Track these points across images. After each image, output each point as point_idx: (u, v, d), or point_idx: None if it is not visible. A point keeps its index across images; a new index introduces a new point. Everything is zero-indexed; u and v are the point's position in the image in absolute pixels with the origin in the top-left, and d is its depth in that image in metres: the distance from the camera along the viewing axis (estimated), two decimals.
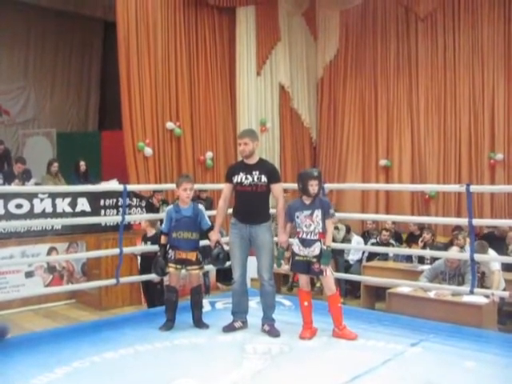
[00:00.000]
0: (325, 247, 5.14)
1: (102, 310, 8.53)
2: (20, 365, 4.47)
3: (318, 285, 8.88)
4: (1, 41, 14.35)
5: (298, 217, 5.23)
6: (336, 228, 9.44)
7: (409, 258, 8.98)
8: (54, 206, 8.95)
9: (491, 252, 6.98)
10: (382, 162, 12.87)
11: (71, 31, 15.58)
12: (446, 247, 8.47)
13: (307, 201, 5.21)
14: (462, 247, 7.67)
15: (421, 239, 9.35)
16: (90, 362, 4.57)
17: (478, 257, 5.86)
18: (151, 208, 9.64)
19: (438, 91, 12.19)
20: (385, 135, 13.00)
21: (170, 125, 11.16)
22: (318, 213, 5.17)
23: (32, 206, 8.69)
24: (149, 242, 7.15)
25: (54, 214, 8.90)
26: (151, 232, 7.30)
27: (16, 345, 4.99)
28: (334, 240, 8.89)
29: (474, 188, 5.96)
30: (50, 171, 10.44)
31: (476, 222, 6.03)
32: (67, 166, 11.03)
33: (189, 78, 11.59)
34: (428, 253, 8.52)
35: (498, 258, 6.97)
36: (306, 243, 5.16)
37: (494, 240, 8.44)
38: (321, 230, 5.16)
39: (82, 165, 10.74)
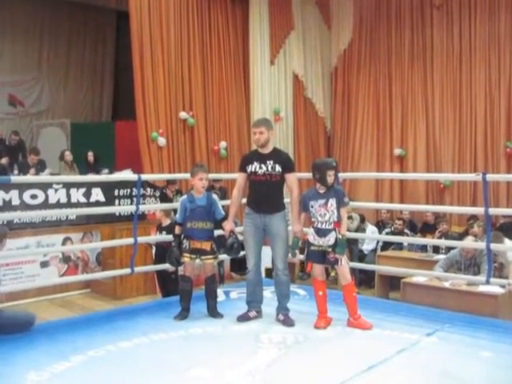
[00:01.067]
0: (340, 236, 5.12)
1: (116, 299, 8.59)
2: (36, 353, 4.50)
3: (332, 274, 8.88)
4: (15, 32, 14.42)
5: (312, 206, 5.21)
6: (350, 218, 9.39)
7: (423, 248, 8.94)
8: (68, 196, 9.01)
9: (508, 242, 6.92)
10: (397, 152, 12.79)
11: (84, 22, 15.62)
12: (461, 237, 8.42)
13: (321, 190, 5.19)
14: (476, 236, 7.62)
15: (438, 230, 9.29)
16: (105, 350, 4.58)
17: (494, 246, 5.81)
18: (165, 198, 9.67)
19: (454, 80, 12.07)
20: (399, 124, 12.90)
21: (183, 114, 11.16)
22: (332, 201, 5.14)
23: (47, 196, 8.76)
24: (164, 232, 7.15)
25: (69, 204, 8.96)
26: (166, 222, 7.30)
27: (32, 334, 5.01)
28: (347, 230, 8.92)
29: (490, 177, 5.90)
30: (65, 160, 10.50)
31: (492, 211, 5.98)
32: (81, 156, 11.09)
33: (202, 68, 11.57)
34: (443, 242, 8.46)
35: None
36: (321, 233, 5.14)
37: (510, 230, 8.37)
38: (336, 219, 5.14)
39: (90, 155, 10.81)
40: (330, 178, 5.13)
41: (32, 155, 10.22)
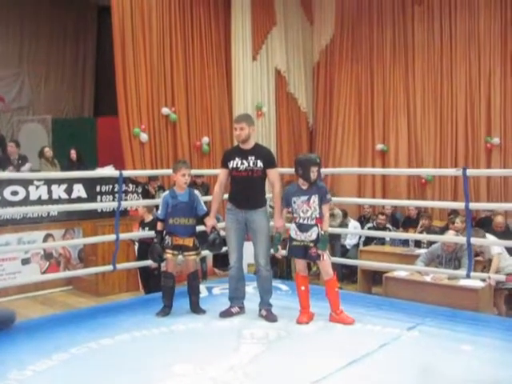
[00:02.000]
0: (322, 232, 5.13)
1: (99, 296, 8.56)
2: (18, 351, 4.47)
3: (314, 269, 8.92)
4: None
5: (294, 202, 5.21)
6: (332, 215, 9.40)
7: (405, 242, 9.01)
8: (49, 192, 8.95)
9: (490, 237, 6.98)
10: (379, 147, 12.86)
11: (65, 17, 15.46)
12: (442, 231, 8.49)
13: (304, 186, 5.19)
14: (457, 231, 7.68)
15: (420, 225, 9.36)
16: (88, 348, 4.57)
17: (475, 241, 5.86)
18: (147, 195, 9.64)
19: (435, 75, 12.15)
20: (381, 120, 12.98)
21: (165, 110, 11.12)
22: (314, 198, 5.15)
23: (28, 192, 8.70)
24: (146, 228, 7.13)
25: (50, 201, 8.91)
26: (148, 218, 7.28)
27: (13, 332, 4.98)
28: (330, 227, 8.94)
29: (470, 172, 5.94)
30: (45, 157, 10.42)
31: (472, 205, 6.03)
32: (63, 152, 11.01)
33: (184, 63, 11.53)
34: (424, 237, 8.53)
35: (496, 241, 6.96)
36: (302, 228, 5.15)
37: (490, 224, 8.45)
38: (318, 216, 5.15)
39: (73, 153, 10.73)
40: (314, 174, 5.13)
41: (11, 143, 10.11)
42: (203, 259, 8.53)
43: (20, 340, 4.77)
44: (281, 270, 9.31)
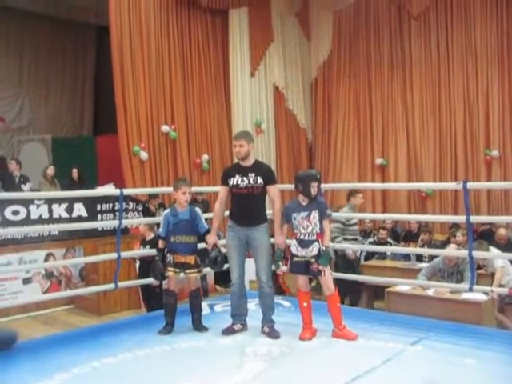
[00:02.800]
0: (323, 247, 5.13)
1: (100, 314, 8.53)
2: (19, 371, 4.45)
3: (313, 284, 8.87)
4: None
5: (295, 218, 5.21)
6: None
7: (407, 257, 8.98)
8: (50, 211, 8.95)
9: (494, 250, 6.96)
10: (378, 161, 12.89)
11: (65, 37, 15.60)
12: (443, 245, 8.47)
13: (304, 202, 5.19)
14: (459, 245, 7.67)
15: (420, 239, 9.35)
16: (90, 367, 4.55)
17: (477, 254, 5.85)
18: (148, 213, 9.64)
19: (433, 89, 12.22)
20: (380, 134, 13.02)
21: (165, 128, 11.16)
22: (315, 214, 5.15)
23: (28, 212, 8.70)
24: (147, 246, 7.12)
25: (51, 220, 8.90)
26: (150, 236, 7.28)
27: (15, 352, 4.95)
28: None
29: (470, 185, 5.94)
30: (46, 177, 10.43)
31: (473, 219, 6.02)
32: (63, 171, 11.03)
33: (183, 81, 11.60)
34: (426, 251, 8.52)
35: (498, 254, 6.95)
36: (303, 243, 5.14)
37: (490, 237, 8.43)
38: (318, 231, 5.14)
39: (75, 172, 10.74)
40: (314, 190, 5.13)
41: (13, 161, 10.14)
42: (204, 277, 8.49)
43: (22, 360, 4.75)
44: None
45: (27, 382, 4.21)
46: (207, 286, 9.04)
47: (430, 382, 4.09)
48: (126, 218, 9.44)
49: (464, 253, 6.08)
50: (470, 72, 11.72)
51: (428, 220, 10.16)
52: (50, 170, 10.56)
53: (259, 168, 5.44)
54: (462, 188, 5.61)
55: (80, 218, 9.19)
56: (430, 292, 6.55)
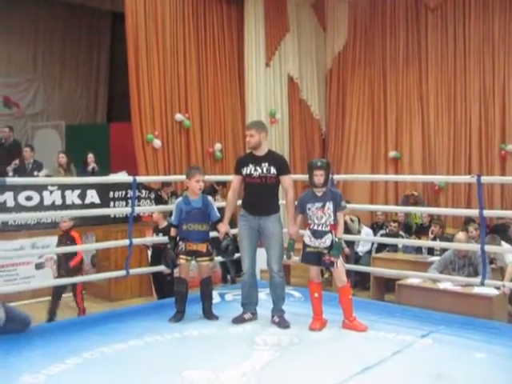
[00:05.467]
0: (336, 239, 5.12)
1: (111, 301, 8.57)
2: (31, 355, 4.49)
3: (325, 276, 8.89)
4: (10, 34, 14.40)
5: (309, 209, 5.21)
6: (351, 220, 9.49)
7: (418, 250, 8.96)
8: (63, 197, 9.00)
9: (505, 245, 6.92)
10: (392, 154, 12.82)
11: (79, 23, 15.59)
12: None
13: (319, 193, 5.19)
14: (472, 239, 7.63)
15: (430, 231, 9.31)
16: (100, 352, 4.58)
17: (489, 248, 5.83)
18: (160, 200, 9.66)
19: (448, 82, 12.12)
20: (394, 126, 12.95)
21: (178, 116, 11.17)
22: (329, 205, 5.14)
23: (42, 198, 8.75)
24: (160, 234, 7.15)
25: (64, 206, 8.94)
26: (163, 224, 7.29)
27: (27, 336, 5.00)
28: (350, 231, 8.96)
29: (484, 179, 5.92)
30: (61, 164, 10.44)
31: (486, 213, 5.97)
32: (76, 158, 11.04)
33: (197, 70, 11.58)
34: (437, 244, 8.48)
35: (510, 249, 6.92)
36: (317, 234, 5.14)
37: (504, 231, 8.39)
38: (332, 222, 5.14)
39: (90, 158, 10.57)
40: (317, 178, 5.12)
41: (27, 149, 10.16)
42: (230, 264, 8.79)
43: (33, 344, 4.80)
44: None
45: (39, 365, 4.24)
46: (234, 274, 9.18)
47: (439, 375, 4.09)
48: (139, 205, 9.47)
49: (475, 246, 6.06)
50: (486, 65, 11.61)
51: (440, 213, 10.12)
52: (62, 159, 10.53)
53: (273, 158, 5.44)
54: (475, 182, 5.59)
55: (92, 205, 9.23)
56: (441, 285, 6.52)
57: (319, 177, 5.13)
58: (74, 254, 7.10)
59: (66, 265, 7.09)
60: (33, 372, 4.11)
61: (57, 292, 7.18)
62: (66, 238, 7.25)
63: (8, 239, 8.35)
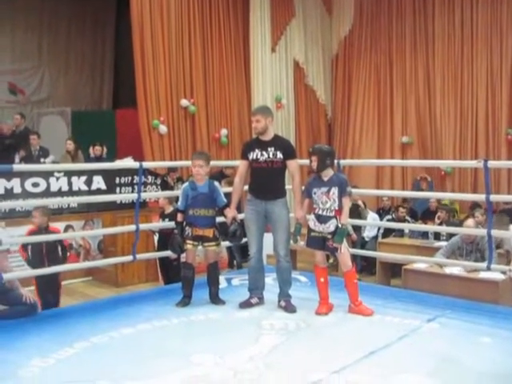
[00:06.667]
0: (340, 225, 5.13)
1: (118, 286, 8.62)
2: (40, 340, 4.53)
3: (330, 261, 8.89)
4: (15, 20, 14.35)
5: (315, 193, 5.22)
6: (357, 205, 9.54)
7: (424, 235, 8.95)
8: (69, 184, 9.02)
9: None
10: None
11: (84, 9, 15.50)
12: (462, 224, 8.41)
13: (325, 177, 5.20)
14: (479, 223, 7.61)
15: (437, 216, 9.30)
16: (109, 337, 4.62)
17: (495, 233, 5.82)
18: (166, 186, 9.67)
19: (455, 66, 12.06)
20: (400, 111, 12.91)
21: (184, 102, 11.16)
22: (334, 190, 5.15)
23: (48, 184, 8.77)
24: (167, 219, 7.16)
25: (70, 193, 8.97)
26: (169, 209, 7.30)
27: (35, 321, 5.06)
28: (361, 217, 8.98)
29: (491, 163, 5.90)
30: (68, 151, 10.43)
31: (493, 197, 5.96)
32: (82, 144, 11.04)
33: (203, 55, 11.55)
34: (444, 229, 8.47)
35: None
36: (321, 219, 5.15)
37: (511, 216, 8.36)
38: (337, 208, 5.14)
39: (97, 149, 10.49)
40: (313, 164, 5.18)
41: (34, 136, 10.15)
42: (236, 249, 8.78)
43: (42, 329, 4.84)
44: None
45: (48, 349, 4.28)
46: (240, 258, 9.19)
47: (445, 359, 4.11)
48: (145, 191, 9.48)
49: (482, 231, 6.05)
50: (494, 50, 11.54)
51: (446, 198, 10.10)
52: (70, 145, 10.51)
53: (279, 142, 5.44)
54: (482, 166, 5.57)
55: (99, 191, 9.25)
56: (448, 270, 6.53)
57: (313, 162, 5.17)
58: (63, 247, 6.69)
59: (54, 255, 6.63)
60: (42, 356, 4.15)
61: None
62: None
63: (15, 225, 8.38)
